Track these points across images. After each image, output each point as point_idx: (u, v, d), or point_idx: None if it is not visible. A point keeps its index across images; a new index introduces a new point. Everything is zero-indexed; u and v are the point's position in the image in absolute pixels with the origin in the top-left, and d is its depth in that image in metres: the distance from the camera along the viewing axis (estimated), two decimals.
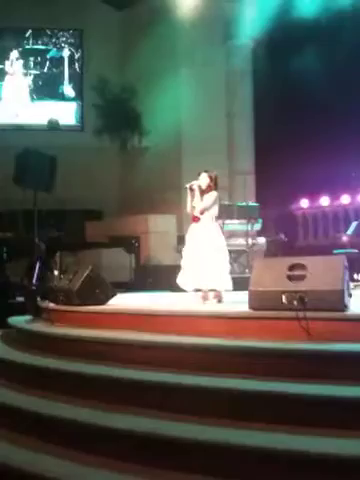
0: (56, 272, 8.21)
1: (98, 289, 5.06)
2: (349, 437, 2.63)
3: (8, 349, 4.84)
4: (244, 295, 4.06)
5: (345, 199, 11.01)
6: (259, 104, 11.53)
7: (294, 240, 11.14)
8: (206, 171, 5.28)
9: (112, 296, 5.17)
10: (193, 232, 5.21)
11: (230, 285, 5.09)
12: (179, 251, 5.33)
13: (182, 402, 3.15)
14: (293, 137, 9.98)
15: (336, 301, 3.57)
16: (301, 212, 11.74)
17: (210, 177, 5.24)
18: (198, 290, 5.16)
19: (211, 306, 4.91)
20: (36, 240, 7.27)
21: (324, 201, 11.33)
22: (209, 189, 5.21)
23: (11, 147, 9.33)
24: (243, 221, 8.91)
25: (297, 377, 3.11)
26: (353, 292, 3.96)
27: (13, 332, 5.32)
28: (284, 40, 9.95)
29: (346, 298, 3.65)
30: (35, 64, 13.75)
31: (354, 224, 8.51)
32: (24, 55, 13.69)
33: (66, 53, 13.89)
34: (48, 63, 13.78)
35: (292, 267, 3.81)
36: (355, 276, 7.31)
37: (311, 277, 3.69)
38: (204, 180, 5.23)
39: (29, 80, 13.70)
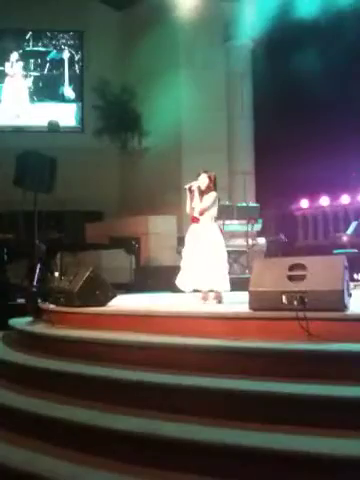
0: (56, 273, 8.22)
1: (98, 290, 5.06)
2: (350, 437, 2.63)
3: (9, 350, 4.84)
4: (244, 295, 4.06)
5: (345, 199, 11.01)
6: (259, 104, 11.55)
7: (294, 240, 11.14)
8: (205, 171, 5.28)
9: (112, 297, 5.17)
10: (193, 233, 5.21)
11: (228, 286, 5.08)
12: (179, 252, 5.34)
13: (182, 403, 3.14)
14: (293, 137, 9.98)
15: (336, 301, 3.57)
16: (301, 212, 11.74)
17: (209, 177, 5.24)
18: (196, 291, 5.15)
19: (211, 307, 4.90)
20: (36, 241, 7.27)
21: (324, 201, 11.33)
22: (208, 190, 5.21)
23: (11, 148, 9.34)
24: (243, 221, 8.90)
25: (297, 377, 3.11)
26: (353, 292, 3.96)
27: (14, 333, 5.32)
28: (284, 40, 9.95)
29: (346, 298, 3.65)
30: (35, 66, 13.78)
31: (354, 224, 8.52)
32: (24, 57, 13.72)
33: (66, 55, 13.91)
34: (48, 65, 13.81)
35: (292, 267, 3.81)
36: (355, 276, 7.31)
37: (311, 277, 3.69)
38: (203, 181, 5.23)
39: (29, 82, 13.72)
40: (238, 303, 4.52)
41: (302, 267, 3.77)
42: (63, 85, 13.90)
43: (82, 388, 3.60)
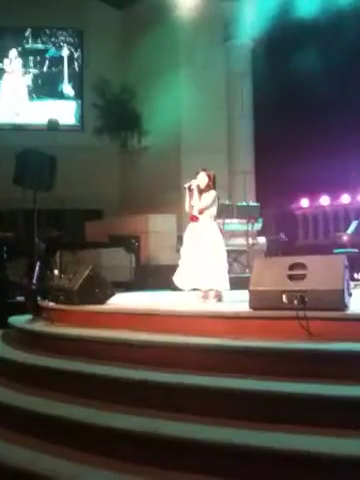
0: (56, 271, 8.20)
1: (98, 289, 5.06)
2: (350, 437, 2.63)
3: (8, 348, 4.84)
4: (244, 295, 4.06)
5: (345, 198, 11.01)
6: (259, 104, 11.54)
7: (294, 240, 11.14)
8: (204, 170, 5.26)
9: (111, 295, 5.17)
10: (192, 232, 5.20)
11: (228, 285, 5.08)
12: (179, 251, 5.32)
13: (182, 401, 3.14)
14: (293, 136, 9.97)
15: (336, 300, 3.57)
16: (301, 212, 11.74)
17: (208, 176, 5.22)
18: (194, 289, 5.15)
19: (211, 306, 4.90)
20: (36, 240, 7.27)
21: (324, 200, 11.32)
22: (208, 188, 5.20)
23: (11, 147, 9.34)
24: (243, 221, 8.90)
25: (297, 377, 3.11)
26: (353, 291, 3.96)
27: (13, 331, 5.32)
28: (284, 40, 9.95)
29: (346, 297, 3.65)
30: (34, 63, 13.76)
31: (354, 223, 8.51)
32: (23, 54, 13.70)
33: (65, 52, 13.89)
34: (47, 62, 13.79)
35: (292, 266, 3.81)
36: (355, 275, 7.31)
37: (311, 276, 3.69)
38: (202, 179, 5.21)
39: (28, 79, 13.70)
40: (238, 302, 4.52)
41: (302, 266, 3.77)
42: (62, 83, 13.88)
43: (81, 386, 3.59)
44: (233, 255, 8.53)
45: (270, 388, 3.02)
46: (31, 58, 13.78)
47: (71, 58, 13.92)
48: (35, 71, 13.77)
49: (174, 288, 5.30)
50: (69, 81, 13.91)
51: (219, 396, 3.09)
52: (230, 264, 5.31)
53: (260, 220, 9.29)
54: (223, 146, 12.12)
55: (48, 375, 3.85)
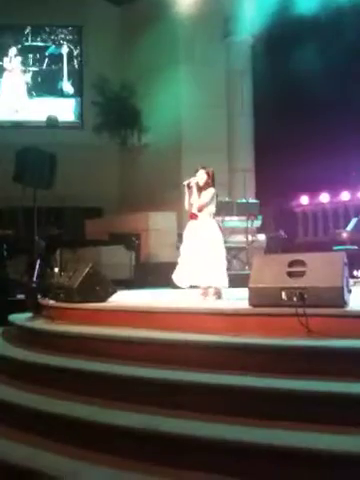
0: (56, 269, 8.22)
1: (98, 286, 5.07)
2: (349, 433, 2.64)
3: (8, 346, 4.85)
4: (244, 292, 4.07)
5: (345, 196, 11.01)
6: (259, 101, 11.53)
7: (294, 237, 11.14)
8: (203, 167, 5.26)
9: (112, 293, 5.18)
10: (191, 229, 5.20)
11: (226, 282, 5.08)
12: (179, 248, 5.33)
13: (182, 398, 3.15)
14: (293, 134, 9.97)
15: (336, 297, 3.58)
16: (301, 209, 11.74)
17: (207, 173, 5.22)
18: (193, 287, 5.15)
19: (211, 303, 4.91)
20: (36, 237, 7.28)
21: (324, 198, 11.33)
22: (207, 186, 5.20)
23: (11, 144, 9.34)
24: (243, 218, 8.90)
25: (297, 373, 3.12)
26: (353, 288, 3.97)
27: (13, 329, 5.33)
28: (284, 37, 9.93)
29: (346, 294, 3.66)
30: (34, 61, 13.74)
31: (354, 220, 8.51)
32: (23, 52, 13.69)
33: (65, 50, 13.87)
34: (47, 60, 13.77)
35: (292, 264, 3.81)
36: (355, 272, 7.32)
37: (311, 274, 3.70)
38: (201, 177, 5.21)
39: (28, 77, 13.69)
40: (238, 299, 4.53)
41: (302, 263, 3.78)
42: (62, 80, 13.87)
43: (82, 384, 3.60)
44: (232, 252, 8.54)
45: (269, 385, 3.03)
46: (31, 56, 13.76)
47: (71, 55, 13.91)
48: (35, 69, 13.75)
49: (174, 286, 5.31)
50: (69, 79, 13.89)
51: (219, 393, 3.10)
52: (229, 261, 5.31)
53: (260, 217, 9.29)
54: (223, 144, 12.12)
55: (49, 373, 3.86)
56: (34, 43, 13.77)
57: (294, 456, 2.53)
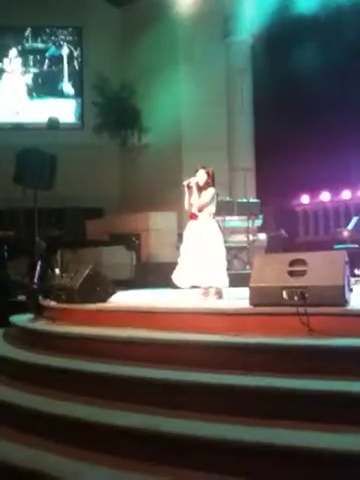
0: (57, 270, 8.21)
1: (99, 287, 5.07)
2: (351, 432, 2.63)
3: (10, 347, 4.85)
4: (245, 291, 4.06)
5: (346, 194, 10.99)
6: (259, 100, 11.52)
7: (295, 236, 11.13)
8: (203, 167, 5.26)
9: (112, 294, 5.18)
10: (191, 230, 5.20)
11: (227, 282, 5.08)
12: (179, 248, 5.33)
13: (183, 398, 3.15)
14: (293, 133, 9.95)
15: (337, 296, 3.57)
16: (302, 208, 11.73)
17: (207, 173, 5.22)
18: (194, 287, 5.15)
19: (212, 302, 4.90)
20: (37, 238, 7.27)
21: (325, 197, 11.31)
22: (207, 186, 5.19)
23: (11, 146, 9.35)
24: (243, 217, 8.89)
25: (298, 373, 3.11)
26: (354, 287, 3.96)
27: (15, 330, 5.33)
28: (283, 36, 9.92)
29: (347, 293, 3.65)
30: (34, 62, 13.76)
31: (355, 219, 8.50)
32: (23, 53, 13.71)
33: (65, 51, 13.89)
34: (47, 61, 13.79)
35: (293, 263, 3.81)
36: (356, 271, 7.31)
37: (312, 273, 3.69)
38: (201, 177, 5.21)
39: (28, 78, 13.70)
40: (239, 299, 4.52)
41: (303, 262, 3.78)
42: (62, 81, 13.88)
43: (83, 384, 3.60)
44: (233, 252, 8.53)
45: (271, 384, 3.02)
46: (31, 57, 13.78)
47: (71, 57, 13.92)
48: (35, 70, 13.77)
49: (174, 286, 5.31)
50: (69, 79, 13.91)
51: (219, 393, 3.10)
52: (230, 261, 5.30)
53: (260, 216, 9.28)
54: (223, 143, 12.11)
55: (50, 374, 3.86)
56: (34, 44, 13.79)
57: (295, 455, 2.52)
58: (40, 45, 13.82)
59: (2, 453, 3.07)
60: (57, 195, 9.04)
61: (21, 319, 5.43)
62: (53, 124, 10.76)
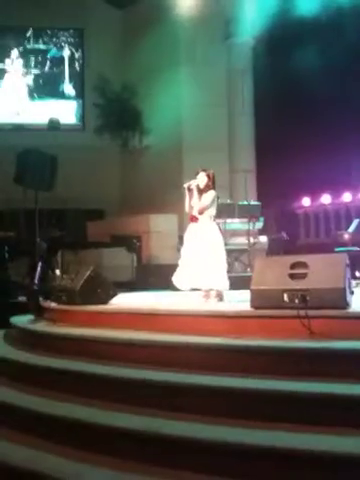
0: (58, 271, 8.21)
1: (100, 289, 5.07)
2: (351, 435, 2.63)
3: (10, 348, 4.85)
4: (246, 294, 4.06)
5: (347, 197, 10.98)
6: (260, 102, 11.52)
7: (296, 238, 11.12)
8: (204, 170, 5.26)
9: (113, 296, 5.17)
10: (191, 232, 5.20)
11: (227, 285, 5.08)
12: (179, 250, 5.33)
13: (183, 401, 3.15)
14: (294, 135, 9.95)
15: (338, 299, 3.57)
16: (303, 210, 11.72)
17: (208, 176, 5.22)
18: (194, 289, 5.15)
19: (212, 305, 4.90)
20: (38, 239, 7.28)
21: (326, 199, 11.30)
22: (207, 188, 5.19)
23: (12, 146, 9.35)
24: (244, 220, 8.88)
25: (299, 375, 3.11)
26: (355, 290, 3.96)
27: (15, 332, 5.33)
28: (284, 38, 9.93)
29: (348, 296, 3.65)
30: (36, 63, 13.77)
31: (356, 222, 8.48)
32: (25, 54, 13.72)
33: (66, 52, 13.90)
34: (48, 62, 13.80)
35: (294, 265, 3.81)
36: (357, 274, 7.30)
37: (313, 275, 3.69)
38: (202, 179, 5.21)
39: (29, 79, 13.72)
40: (239, 301, 4.52)
41: (304, 265, 3.77)
42: (63, 82, 13.89)
43: (83, 386, 3.60)
44: (234, 254, 8.52)
45: (271, 387, 3.02)
46: (32, 58, 13.79)
47: (72, 58, 13.93)
48: (36, 71, 13.78)
49: (175, 288, 5.31)
50: (70, 81, 13.92)
51: (220, 395, 3.10)
52: (231, 263, 5.30)
53: (261, 219, 9.28)
54: (224, 145, 12.11)
55: (50, 375, 3.86)
56: (36, 45, 13.80)
57: (296, 458, 2.52)
58: (41, 46, 13.83)
59: (2, 454, 3.07)
60: (58, 196, 9.06)
61: (21, 320, 5.43)
62: (54, 125, 10.77)
